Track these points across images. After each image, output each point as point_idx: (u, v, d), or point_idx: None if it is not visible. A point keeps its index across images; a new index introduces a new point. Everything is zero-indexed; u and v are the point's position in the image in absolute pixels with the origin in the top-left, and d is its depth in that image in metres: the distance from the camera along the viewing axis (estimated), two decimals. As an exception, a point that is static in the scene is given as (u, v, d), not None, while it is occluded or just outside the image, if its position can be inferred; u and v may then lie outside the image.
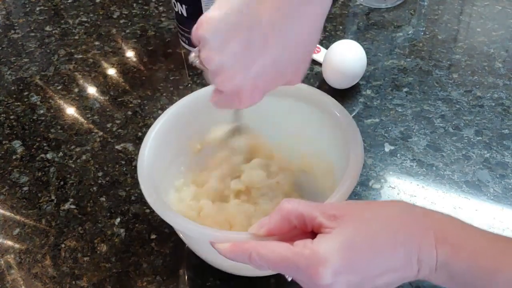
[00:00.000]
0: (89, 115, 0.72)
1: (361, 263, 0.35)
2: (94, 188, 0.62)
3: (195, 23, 0.80)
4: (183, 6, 0.76)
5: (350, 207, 0.38)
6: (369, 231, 0.36)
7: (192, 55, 0.40)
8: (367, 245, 0.35)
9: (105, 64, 0.81)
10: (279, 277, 0.51)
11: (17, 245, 0.56)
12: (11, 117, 0.73)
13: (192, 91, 0.74)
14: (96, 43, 0.86)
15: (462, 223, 0.38)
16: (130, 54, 0.83)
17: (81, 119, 0.72)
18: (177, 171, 0.54)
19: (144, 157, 0.48)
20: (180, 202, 0.53)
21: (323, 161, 0.54)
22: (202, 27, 0.38)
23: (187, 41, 0.81)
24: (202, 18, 0.38)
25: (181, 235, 0.49)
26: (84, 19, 0.92)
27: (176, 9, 0.77)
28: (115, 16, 0.92)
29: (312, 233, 0.37)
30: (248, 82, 0.39)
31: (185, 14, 0.77)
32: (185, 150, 0.51)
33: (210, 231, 0.41)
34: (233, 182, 0.54)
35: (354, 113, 0.69)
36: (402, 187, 0.59)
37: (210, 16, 0.37)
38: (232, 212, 0.51)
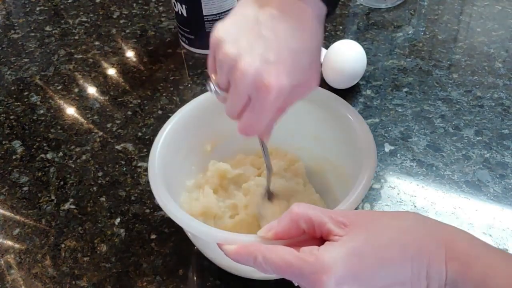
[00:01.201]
0: (89, 115, 0.72)
1: (366, 274, 0.35)
2: (94, 188, 0.62)
3: (195, 23, 0.81)
4: (183, 6, 0.76)
5: (361, 216, 0.37)
6: (377, 242, 0.35)
7: (210, 85, 0.42)
8: (374, 256, 0.35)
9: (105, 64, 0.81)
10: (279, 278, 0.51)
11: (17, 245, 0.56)
12: (11, 117, 0.73)
13: (192, 91, 0.75)
14: (96, 43, 0.86)
15: (474, 239, 0.37)
16: (130, 54, 0.83)
17: (81, 119, 0.72)
18: (188, 171, 0.55)
19: (155, 157, 0.48)
20: (190, 202, 0.53)
21: (336, 166, 0.54)
22: (217, 31, 0.41)
23: (187, 41, 0.81)
24: (215, 27, 0.41)
25: (189, 234, 0.49)
26: (84, 19, 0.92)
27: (176, 9, 0.77)
28: (115, 16, 0.92)
29: (321, 240, 0.37)
30: (268, 66, 0.39)
31: (185, 14, 0.77)
32: (196, 150, 0.51)
33: (217, 233, 0.41)
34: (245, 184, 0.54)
35: (354, 113, 0.69)
36: (402, 187, 0.59)
37: (222, 22, 0.41)
38: (242, 214, 0.51)
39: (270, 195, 0.52)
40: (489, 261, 0.35)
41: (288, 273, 0.36)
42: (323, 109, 0.53)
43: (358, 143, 0.47)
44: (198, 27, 0.77)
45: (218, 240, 0.40)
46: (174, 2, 0.77)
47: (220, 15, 0.76)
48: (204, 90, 0.60)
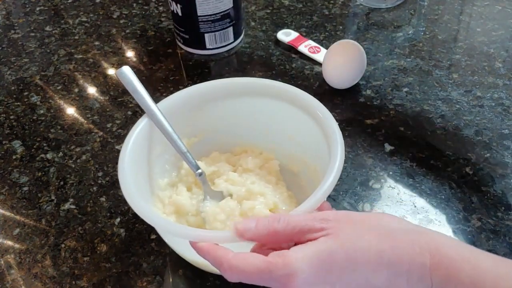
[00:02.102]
0: (89, 115, 0.72)
1: (337, 276, 0.35)
2: (94, 188, 0.62)
3: (189, 23, 0.80)
4: (178, 5, 0.76)
5: (342, 219, 0.37)
6: (353, 246, 0.35)
7: None
8: (347, 259, 0.35)
9: (105, 64, 0.81)
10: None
11: (17, 245, 0.56)
12: (11, 117, 0.73)
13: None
14: (96, 43, 0.86)
15: (460, 244, 0.36)
16: (130, 54, 0.83)
17: (81, 119, 0.72)
18: (162, 169, 0.55)
19: (126, 155, 0.48)
20: (164, 201, 0.53)
21: (308, 164, 0.55)
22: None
23: (182, 41, 0.81)
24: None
25: (160, 232, 0.49)
26: (84, 19, 0.92)
27: (172, 8, 0.77)
28: (115, 16, 0.92)
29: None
30: None
31: (179, 14, 0.77)
32: (170, 148, 0.52)
33: (183, 230, 0.41)
34: (218, 181, 0.54)
35: (354, 113, 0.69)
36: (402, 187, 0.59)
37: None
38: (214, 211, 0.51)
39: (217, 196, 0.52)
40: (477, 264, 0.35)
41: (257, 278, 0.35)
42: (297, 108, 0.53)
43: (328, 142, 0.48)
44: (192, 27, 0.77)
45: (186, 237, 0.40)
46: (169, 1, 0.77)
47: (215, 16, 0.76)
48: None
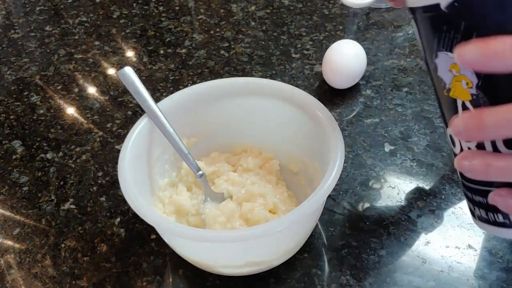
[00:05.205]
0: (89, 115, 0.72)
1: None
2: (94, 188, 0.62)
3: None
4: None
5: None
6: None
7: None
8: None
9: (105, 64, 0.82)
10: (279, 277, 0.51)
11: (17, 245, 0.56)
12: (11, 117, 0.73)
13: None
14: (96, 43, 0.86)
15: None
16: (130, 54, 0.83)
17: (81, 119, 0.72)
18: (162, 170, 0.55)
19: (126, 155, 0.48)
20: (164, 201, 0.53)
21: (307, 164, 0.55)
22: None
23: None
24: None
25: (160, 232, 0.49)
26: (84, 19, 0.92)
27: None
28: (115, 16, 0.92)
29: None
30: None
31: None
32: (170, 148, 0.52)
33: (186, 230, 0.42)
34: (219, 182, 0.54)
35: (354, 113, 0.69)
36: (402, 187, 0.59)
37: None
38: (214, 213, 0.51)
39: (218, 197, 0.52)
40: None
41: None
42: (297, 108, 0.53)
43: (328, 142, 0.48)
44: None
45: (183, 236, 0.40)
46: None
47: None
48: (174, 90, 0.61)
